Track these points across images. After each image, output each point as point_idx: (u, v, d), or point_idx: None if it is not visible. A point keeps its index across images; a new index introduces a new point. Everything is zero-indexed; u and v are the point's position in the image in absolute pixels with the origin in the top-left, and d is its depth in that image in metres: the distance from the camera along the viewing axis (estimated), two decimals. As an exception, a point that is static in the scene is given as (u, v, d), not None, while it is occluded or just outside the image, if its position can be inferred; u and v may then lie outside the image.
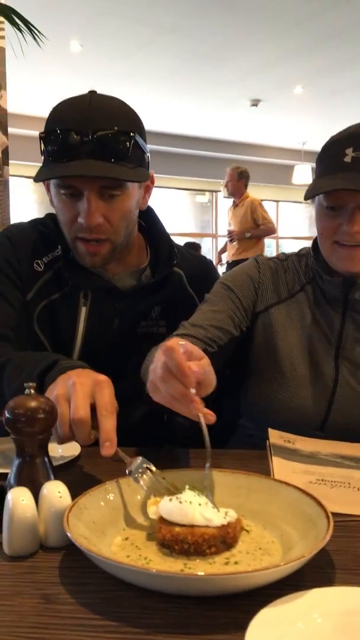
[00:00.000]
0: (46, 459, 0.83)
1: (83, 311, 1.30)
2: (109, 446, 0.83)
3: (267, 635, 0.54)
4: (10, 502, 0.73)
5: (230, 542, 0.71)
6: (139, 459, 0.85)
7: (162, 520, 0.72)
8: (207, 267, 1.50)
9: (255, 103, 7.81)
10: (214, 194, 10.47)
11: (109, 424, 0.85)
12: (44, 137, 1.17)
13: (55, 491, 0.76)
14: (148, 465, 0.84)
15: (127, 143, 1.16)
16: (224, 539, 0.70)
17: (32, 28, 3.34)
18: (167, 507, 0.72)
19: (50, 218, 1.35)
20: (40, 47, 3.58)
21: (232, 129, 9.09)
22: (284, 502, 0.79)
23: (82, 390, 0.87)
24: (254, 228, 6.07)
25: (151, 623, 0.59)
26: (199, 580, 0.61)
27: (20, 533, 0.72)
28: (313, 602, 0.59)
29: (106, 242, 1.22)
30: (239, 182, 6.09)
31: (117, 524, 0.78)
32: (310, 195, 1.17)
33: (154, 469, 0.84)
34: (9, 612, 0.61)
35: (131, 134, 1.17)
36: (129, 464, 0.84)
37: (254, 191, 10.70)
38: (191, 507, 0.71)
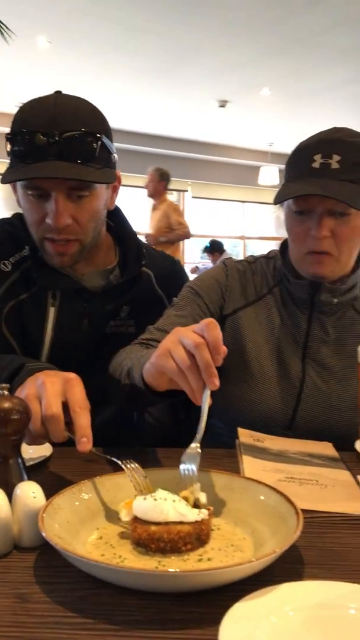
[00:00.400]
0: (19, 460, 0.83)
1: (51, 312, 1.30)
2: (85, 442, 0.84)
3: (240, 630, 0.55)
4: (-16, 502, 0.73)
5: (204, 539, 0.73)
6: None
7: (136, 519, 0.73)
8: (175, 267, 1.51)
9: (223, 104, 7.85)
10: (181, 193, 10.50)
11: (83, 420, 0.86)
12: (10, 138, 1.16)
13: (29, 492, 0.76)
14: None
15: (94, 144, 1.16)
16: (198, 536, 0.72)
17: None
18: (142, 506, 0.73)
19: (17, 218, 1.34)
20: (7, 42, 3.55)
21: (199, 129, 9.13)
22: (255, 499, 0.81)
23: (53, 388, 0.88)
24: (168, 232, 6.00)
25: (127, 619, 0.60)
26: (174, 577, 0.62)
27: (-6, 533, 0.73)
28: (284, 597, 0.61)
29: (75, 241, 1.22)
30: (159, 184, 5.97)
31: (91, 523, 0.79)
32: (280, 199, 1.19)
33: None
34: (-16, 612, 0.62)
35: (97, 135, 1.17)
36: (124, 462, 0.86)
37: (221, 191, 10.85)
38: (166, 504, 0.72)
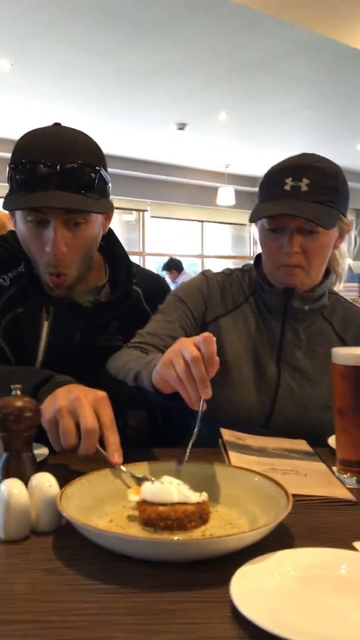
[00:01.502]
0: (31, 455, 0.90)
1: (45, 325, 1.37)
2: (118, 457, 0.95)
3: (249, 586, 0.64)
4: (5, 491, 0.80)
5: (205, 518, 0.81)
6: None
7: (144, 502, 0.82)
8: (161, 285, 1.61)
9: (181, 127, 8.04)
10: (140, 213, 10.64)
11: (115, 437, 0.97)
12: (13, 167, 1.23)
13: (45, 481, 0.83)
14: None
15: (92, 175, 1.24)
16: (200, 514, 0.80)
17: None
18: (150, 489, 0.81)
19: (13, 236, 1.41)
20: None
21: (158, 151, 9.31)
22: (247, 486, 0.90)
23: (87, 404, 0.96)
24: None
25: (146, 585, 0.68)
26: (186, 545, 0.71)
27: (15, 519, 0.79)
28: (283, 560, 0.70)
29: (66, 275, 1.29)
30: None
31: (100, 510, 0.86)
32: (255, 218, 1.31)
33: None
34: (17, 583, 0.69)
35: (96, 167, 1.25)
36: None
37: (180, 210, 11.04)
38: (172, 487, 0.81)
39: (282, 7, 4.80)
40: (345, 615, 0.61)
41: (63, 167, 1.21)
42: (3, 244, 1.40)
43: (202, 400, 0.95)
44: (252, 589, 0.63)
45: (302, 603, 0.63)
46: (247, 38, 5.19)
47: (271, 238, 1.33)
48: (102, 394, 1.01)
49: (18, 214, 1.29)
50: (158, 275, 1.63)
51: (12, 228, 1.39)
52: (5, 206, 1.26)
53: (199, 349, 0.94)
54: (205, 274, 1.50)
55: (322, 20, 5.08)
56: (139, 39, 5.20)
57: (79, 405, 0.96)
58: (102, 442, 0.98)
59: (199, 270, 11.06)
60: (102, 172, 1.27)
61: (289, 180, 1.29)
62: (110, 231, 1.46)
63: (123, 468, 0.95)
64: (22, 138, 1.28)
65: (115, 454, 0.95)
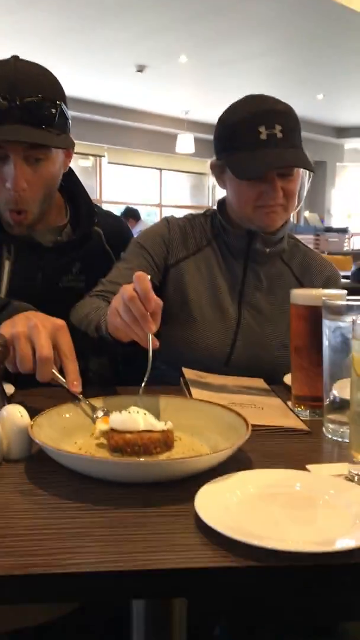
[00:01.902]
0: (1, 388, 0.93)
1: (6, 265, 1.37)
2: (77, 385, 0.97)
3: (213, 502, 0.70)
4: (-23, 421, 0.83)
5: (170, 444, 0.86)
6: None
7: (112, 430, 0.86)
8: (122, 225, 1.62)
9: (140, 69, 7.82)
10: (97, 158, 10.41)
11: (74, 365, 0.98)
12: None
13: (17, 412, 0.87)
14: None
15: (53, 110, 1.23)
16: (165, 441, 0.85)
17: None
18: (118, 418, 0.86)
19: None
20: None
21: (116, 94, 9.05)
22: (208, 416, 0.95)
23: (45, 332, 0.97)
24: None
25: (116, 503, 0.73)
26: (153, 465, 0.76)
27: (-13, 447, 0.83)
28: (243, 479, 0.76)
29: (27, 212, 1.29)
30: None
31: (70, 439, 0.90)
32: (252, 175, 1.32)
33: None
34: (-7, 503, 0.73)
35: (57, 102, 1.24)
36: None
37: (138, 157, 10.86)
38: (138, 416, 0.85)
39: None
40: (296, 523, 0.68)
41: (23, 100, 1.20)
42: None
43: (149, 336, 0.99)
44: (215, 504, 0.69)
45: (261, 515, 0.69)
46: (209, -22, 5.05)
47: (249, 185, 1.36)
48: (60, 322, 1.02)
49: None
50: (119, 216, 1.65)
51: None
52: None
53: (135, 289, 0.97)
54: (167, 219, 1.53)
55: None
56: (97, -26, 5.00)
57: (36, 332, 0.96)
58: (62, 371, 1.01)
59: (157, 219, 11.03)
60: (63, 106, 1.27)
61: (262, 129, 1.31)
62: (71, 171, 1.45)
63: (81, 397, 0.98)
64: None
65: (74, 382, 0.97)
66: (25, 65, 1.26)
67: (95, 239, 1.47)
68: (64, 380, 0.98)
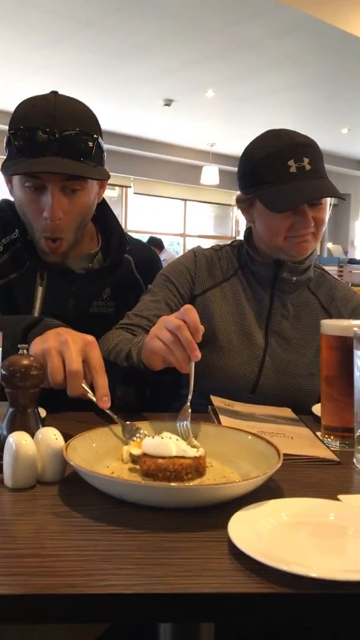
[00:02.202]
0: (36, 410, 0.95)
1: (39, 291, 1.40)
2: (106, 400, 0.99)
3: (246, 528, 0.70)
4: (13, 443, 0.85)
5: (201, 471, 0.87)
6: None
7: (145, 455, 0.87)
8: (152, 255, 1.66)
9: (168, 103, 8.00)
10: (124, 189, 10.60)
11: (103, 380, 1.00)
12: (13, 133, 1.26)
13: (51, 434, 0.88)
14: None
15: (91, 143, 1.28)
16: (197, 468, 0.86)
17: None
18: (150, 443, 0.87)
19: (5, 203, 1.44)
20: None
21: (144, 127, 9.25)
22: (239, 444, 0.96)
23: (75, 347, 0.99)
24: None
25: (148, 527, 0.74)
26: (187, 490, 0.77)
27: (23, 468, 0.84)
28: (275, 507, 0.77)
29: (62, 240, 1.33)
30: None
31: (102, 462, 0.92)
32: (288, 207, 1.34)
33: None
34: (30, 524, 0.74)
35: (94, 135, 1.29)
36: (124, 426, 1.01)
37: (163, 188, 11.01)
38: (170, 442, 0.86)
39: (274, -15, 4.79)
40: (328, 551, 0.68)
41: (62, 134, 1.24)
42: None
43: (191, 364, 1.03)
44: (248, 530, 0.69)
45: (294, 543, 0.69)
46: (237, 16, 5.18)
47: (281, 217, 1.38)
48: (90, 338, 1.03)
49: (16, 180, 1.32)
50: (149, 245, 1.68)
51: None
52: (3, 171, 1.29)
53: (182, 320, 1.01)
54: (194, 251, 1.56)
55: (313, 1, 5.08)
56: (129, 12, 5.16)
57: (67, 347, 0.99)
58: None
59: (181, 248, 11.13)
60: (100, 140, 1.31)
61: (291, 163, 1.34)
62: (104, 200, 1.49)
63: (110, 412, 1.00)
64: (21, 105, 1.31)
65: (103, 397, 0.99)
66: (65, 100, 1.31)
67: (126, 267, 1.51)
68: (93, 395, 1.00)
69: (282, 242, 1.40)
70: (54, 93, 1.32)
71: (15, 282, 1.39)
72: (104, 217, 1.52)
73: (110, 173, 1.38)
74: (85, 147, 1.28)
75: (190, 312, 1.02)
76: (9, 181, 1.38)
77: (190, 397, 1.04)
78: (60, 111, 1.27)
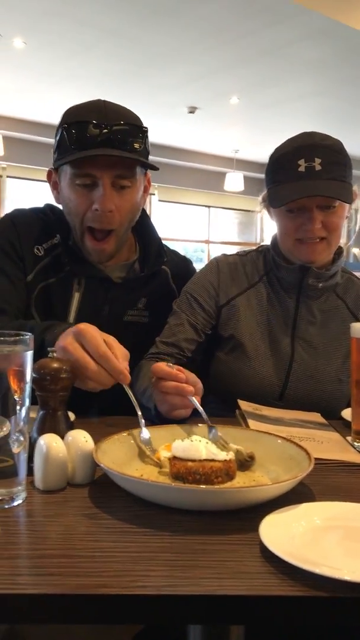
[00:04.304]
0: (65, 413, 0.96)
1: (76, 296, 1.41)
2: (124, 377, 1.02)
3: (278, 531, 0.69)
4: (44, 445, 0.85)
5: (231, 474, 0.86)
6: None
7: (175, 458, 0.87)
8: (188, 266, 1.66)
9: (192, 110, 8.03)
10: (149, 196, 10.63)
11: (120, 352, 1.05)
12: (66, 128, 1.29)
13: (81, 437, 0.89)
14: None
15: (140, 135, 1.32)
16: (227, 471, 0.85)
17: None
18: (180, 446, 0.87)
19: (49, 209, 1.47)
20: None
21: (168, 134, 9.29)
22: (269, 447, 0.95)
23: (94, 335, 1.03)
24: None
25: (178, 529, 0.74)
26: (218, 493, 0.76)
27: (53, 470, 0.85)
28: (307, 511, 0.76)
29: (112, 236, 1.35)
30: None
31: (131, 465, 0.92)
32: (282, 203, 1.35)
33: None
34: (60, 525, 0.74)
35: (144, 128, 1.33)
36: None
37: (187, 195, 11.03)
38: (201, 445, 0.86)
39: (299, -9, 4.79)
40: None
41: (113, 128, 1.28)
42: (41, 215, 1.45)
43: (192, 399, 1.07)
44: (280, 533, 0.69)
45: (327, 546, 0.68)
46: (261, 22, 5.18)
47: (289, 217, 1.38)
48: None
49: (64, 180, 1.35)
50: (185, 257, 1.68)
51: None
52: (56, 164, 1.34)
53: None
54: (217, 260, 1.55)
55: (337, 5, 5.06)
56: (153, 21, 5.19)
57: (87, 336, 1.02)
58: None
59: (205, 255, 11.12)
60: (147, 135, 1.35)
61: (301, 162, 1.33)
62: (143, 211, 1.50)
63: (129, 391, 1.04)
64: (70, 108, 1.36)
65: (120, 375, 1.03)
66: (112, 103, 1.36)
67: (162, 277, 1.52)
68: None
69: (291, 244, 1.40)
70: (101, 99, 1.37)
71: (54, 286, 1.41)
72: (143, 226, 1.53)
73: (135, 180, 1.39)
74: (134, 139, 1.31)
75: (190, 376, 1.10)
76: (54, 187, 1.42)
77: (208, 423, 1.06)
78: (110, 111, 1.32)
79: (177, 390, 1.08)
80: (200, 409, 1.06)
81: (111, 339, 1.05)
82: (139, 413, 1.02)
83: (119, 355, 1.03)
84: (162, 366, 1.09)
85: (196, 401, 1.07)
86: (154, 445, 0.98)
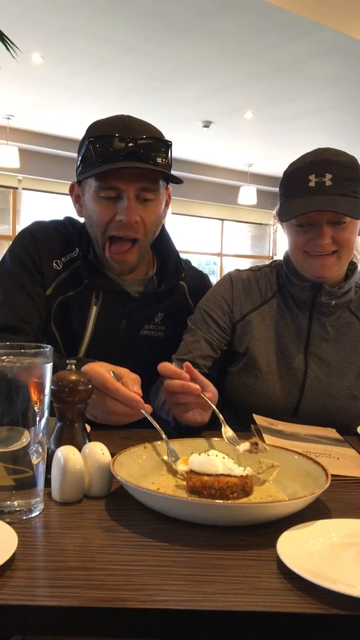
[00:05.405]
0: (83, 425, 0.96)
1: (94, 310, 1.42)
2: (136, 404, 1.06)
3: (295, 548, 0.69)
4: (62, 457, 0.86)
5: (248, 490, 0.86)
6: None
7: (191, 472, 0.87)
8: (205, 283, 1.65)
9: (207, 124, 8.08)
10: (164, 209, 10.66)
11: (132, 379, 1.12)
12: (92, 141, 1.30)
13: (98, 449, 0.89)
14: None
15: (163, 149, 1.33)
16: (243, 487, 0.85)
17: (6, 38, 3.44)
18: (197, 460, 0.87)
19: (69, 221, 1.48)
20: (14, 57, 3.69)
21: (182, 148, 9.35)
22: (286, 463, 0.95)
23: (99, 372, 1.08)
24: None
25: (194, 544, 0.74)
26: (235, 508, 0.76)
27: (71, 482, 0.85)
28: (323, 527, 0.76)
29: (135, 246, 1.36)
30: None
31: (147, 479, 0.92)
32: (287, 217, 1.36)
33: None
34: (77, 537, 0.75)
35: (168, 142, 1.34)
36: None
37: (200, 208, 11.07)
38: (217, 459, 0.86)
39: (315, 8, 4.82)
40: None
41: (138, 142, 1.29)
42: (60, 229, 1.46)
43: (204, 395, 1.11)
44: (298, 550, 0.69)
45: (345, 564, 0.68)
46: (276, 38, 5.22)
47: (300, 232, 1.38)
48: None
49: (88, 193, 1.35)
50: (203, 272, 1.68)
51: None
52: (80, 177, 1.36)
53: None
54: (231, 276, 1.56)
55: (353, 21, 5.09)
56: (169, 36, 5.25)
57: (108, 387, 1.07)
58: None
59: (218, 268, 11.12)
60: (170, 149, 1.36)
61: (312, 177, 1.34)
62: (163, 226, 1.51)
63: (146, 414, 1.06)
64: (94, 122, 1.37)
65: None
66: (136, 118, 1.37)
67: (179, 292, 1.53)
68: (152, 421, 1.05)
69: (301, 258, 1.40)
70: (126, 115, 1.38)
71: (72, 300, 1.42)
72: (162, 241, 1.53)
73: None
74: (158, 154, 1.32)
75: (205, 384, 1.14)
76: (77, 201, 1.42)
77: (223, 422, 1.09)
78: (135, 123, 1.34)
79: (183, 389, 1.09)
80: (213, 406, 1.10)
81: (121, 370, 1.10)
82: (164, 436, 1.03)
83: (129, 383, 1.07)
84: (168, 365, 1.12)
85: (207, 397, 1.10)
86: (178, 454, 0.99)
